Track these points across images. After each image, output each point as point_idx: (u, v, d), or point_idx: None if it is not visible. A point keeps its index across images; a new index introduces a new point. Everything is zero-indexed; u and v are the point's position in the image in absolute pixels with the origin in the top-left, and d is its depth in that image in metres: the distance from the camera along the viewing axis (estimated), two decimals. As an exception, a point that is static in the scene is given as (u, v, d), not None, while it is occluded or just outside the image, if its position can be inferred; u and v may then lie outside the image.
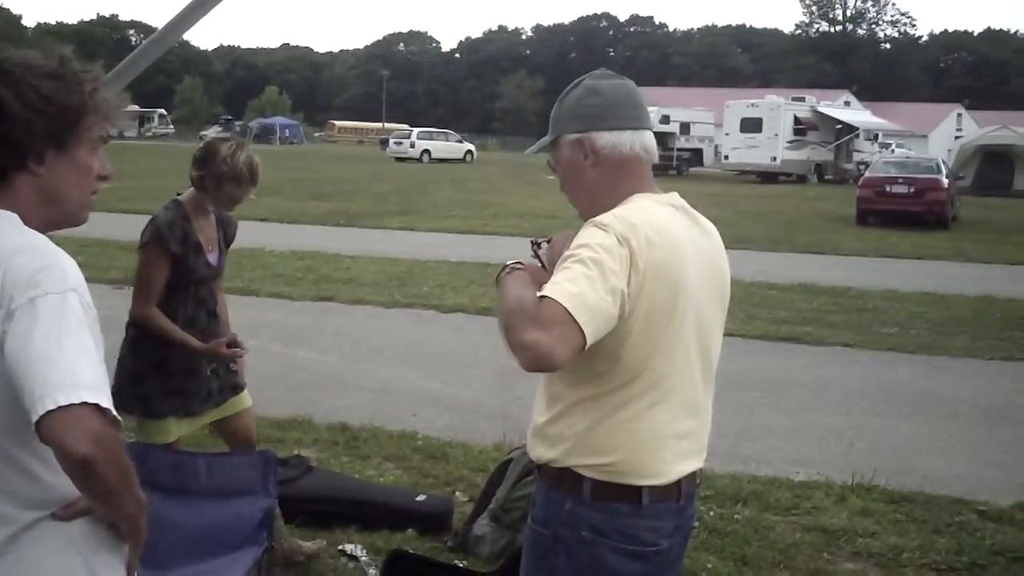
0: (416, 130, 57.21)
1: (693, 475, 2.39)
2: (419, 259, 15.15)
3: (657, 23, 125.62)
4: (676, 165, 45.48)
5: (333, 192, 28.28)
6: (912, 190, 23.50)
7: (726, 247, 2.53)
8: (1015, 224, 24.94)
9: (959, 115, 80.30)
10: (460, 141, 57.30)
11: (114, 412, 1.68)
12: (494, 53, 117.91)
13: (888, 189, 23.80)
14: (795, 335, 10.39)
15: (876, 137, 48.92)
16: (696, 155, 48.57)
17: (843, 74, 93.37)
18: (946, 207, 23.68)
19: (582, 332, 2.01)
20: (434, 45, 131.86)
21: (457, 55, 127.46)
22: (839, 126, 45.63)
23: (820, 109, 45.85)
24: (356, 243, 17.05)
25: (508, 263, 2.36)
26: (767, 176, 42.40)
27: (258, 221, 20.47)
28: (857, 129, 46.21)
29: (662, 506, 2.30)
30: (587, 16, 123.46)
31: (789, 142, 42.80)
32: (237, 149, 4.00)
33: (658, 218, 2.26)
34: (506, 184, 35.04)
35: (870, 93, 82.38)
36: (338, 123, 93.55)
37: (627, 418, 2.24)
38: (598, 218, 2.21)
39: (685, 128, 47.69)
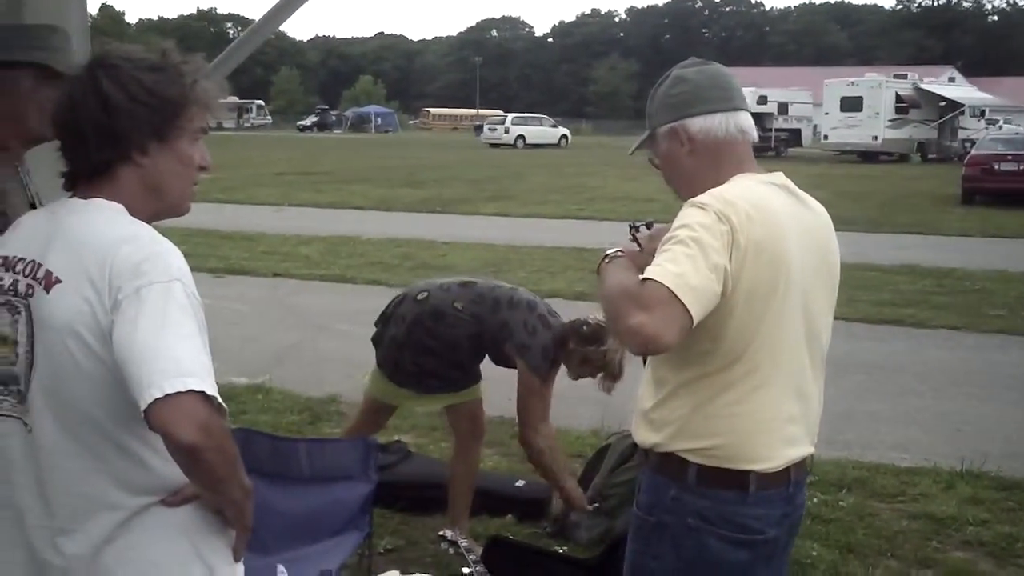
0: (510, 115, 57.18)
1: (803, 461, 2.34)
2: (515, 245, 15.17)
3: (753, 2, 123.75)
4: (774, 146, 44.77)
5: (428, 179, 28.45)
6: (1021, 167, 22.77)
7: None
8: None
9: (1073, 89, 77.67)
10: (554, 126, 57.13)
11: (219, 399, 1.71)
12: (587, 37, 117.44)
13: (996, 167, 23.07)
14: (898, 317, 10.17)
15: (983, 114, 47.47)
16: (794, 135, 47.73)
17: (947, 49, 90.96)
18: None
19: (688, 312, 1.99)
20: (527, 30, 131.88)
21: (550, 39, 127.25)
22: (943, 103, 44.37)
23: (923, 86, 44.65)
24: (452, 229, 17.12)
25: (608, 252, 2.34)
26: (867, 156, 41.47)
27: (353, 209, 20.83)
28: (962, 106, 44.89)
29: (770, 493, 2.26)
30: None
31: (890, 120, 41.77)
32: None
33: (758, 195, 2.22)
34: (601, 168, 34.85)
35: (976, 68, 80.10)
36: (432, 110, 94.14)
37: (731, 400, 2.21)
38: (695, 198, 2.18)
39: (783, 108, 46.91)
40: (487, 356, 4.48)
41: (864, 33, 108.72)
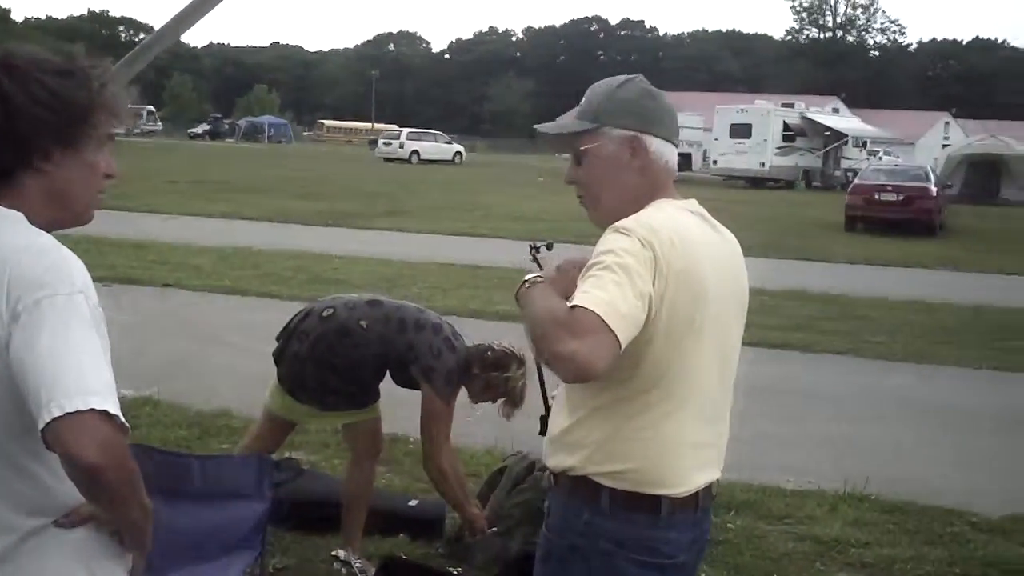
0: (405, 131, 56.97)
1: (710, 486, 2.37)
2: (409, 260, 15.11)
3: (648, 27, 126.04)
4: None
5: (322, 192, 28.18)
6: (901, 198, 23.59)
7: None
8: (1002, 233, 25.02)
9: (946, 123, 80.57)
10: (449, 142, 57.12)
11: (122, 418, 1.65)
12: (485, 55, 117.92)
13: (877, 196, 23.90)
14: (787, 341, 10.37)
15: (864, 144, 49.06)
16: (685, 159, 48.44)
17: (832, 81, 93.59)
18: (934, 215, 23.79)
19: (617, 339, 1.99)
20: (425, 46, 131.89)
21: (447, 56, 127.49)
22: (828, 132, 45.69)
23: (809, 115, 45.92)
24: (346, 243, 16.99)
25: (528, 276, 2.31)
26: (755, 182, 42.40)
27: (246, 220, 20.53)
28: (846, 136, 46.31)
29: (680, 517, 2.28)
30: (578, 19, 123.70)
31: (778, 148, 42.84)
32: None
33: (679, 223, 2.25)
34: (496, 186, 35.01)
35: (859, 100, 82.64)
36: (327, 122, 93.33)
37: (645, 425, 2.22)
38: (619, 223, 2.18)
39: (674, 132, 47.70)
40: (389, 376, 4.45)
41: (755, 62, 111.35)
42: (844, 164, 46.10)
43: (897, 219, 23.26)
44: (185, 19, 4.29)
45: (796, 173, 43.41)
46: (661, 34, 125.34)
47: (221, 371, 8.15)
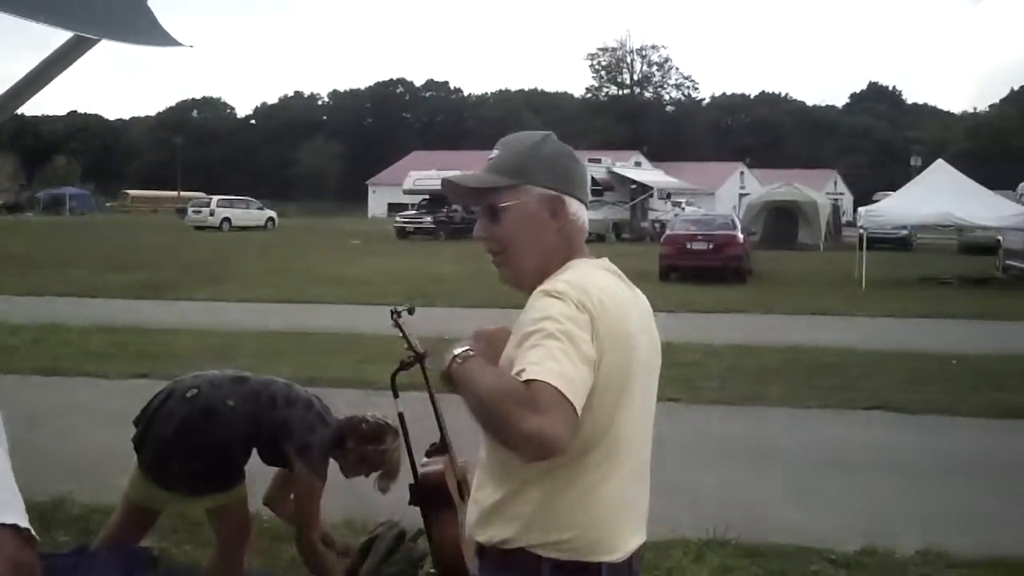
0: (215, 198, 55.75)
1: (640, 549, 2.36)
2: (235, 329, 14.74)
3: (452, 87, 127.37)
4: (478, 227, 45.99)
5: (133, 263, 27.21)
6: (711, 246, 24.46)
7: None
8: (804, 276, 26.27)
9: (742, 173, 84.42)
10: (261, 208, 56.31)
11: (31, 530, 1.54)
12: (291, 119, 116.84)
13: (688, 246, 24.71)
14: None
15: (669, 196, 50.87)
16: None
17: (633, 135, 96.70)
18: (743, 261, 24.78)
19: (576, 410, 1.98)
20: (229, 111, 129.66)
21: (253, 121, 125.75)
22: (634, 186, 47.14)
23: (616, 170, 47.28)
24: (166, 316, 16.45)
25: (456, 351, 2.21)
26: (570, 236, 43.18)
27: (56, 296, 19.62)
28: (651, 188, 47.89)
29: None
30: (383, 81, 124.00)
31: (588, 202, 43.73)
32: None
33: (605, 282, 2.26)
34: (312, 250, 34.62)
35: (659, 153, 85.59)
36: (132, 192, 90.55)
37: (585, 489, 2.18)
38: (548, 287, 2.16)
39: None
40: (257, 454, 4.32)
41: (557, 119, 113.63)
42: (651, 215, 47.67)
43: (709, 267, 24.10)
44: (17, 94, 4.09)
45: (607, 226, 44.49)
46: (465, 94, 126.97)
47: (51, 457, 7.71)
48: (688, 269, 24.36)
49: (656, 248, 26.38)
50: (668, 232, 26.47)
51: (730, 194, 75.78)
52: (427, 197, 46.72)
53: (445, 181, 2.40)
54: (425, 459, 4.54)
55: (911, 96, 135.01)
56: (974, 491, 7.33)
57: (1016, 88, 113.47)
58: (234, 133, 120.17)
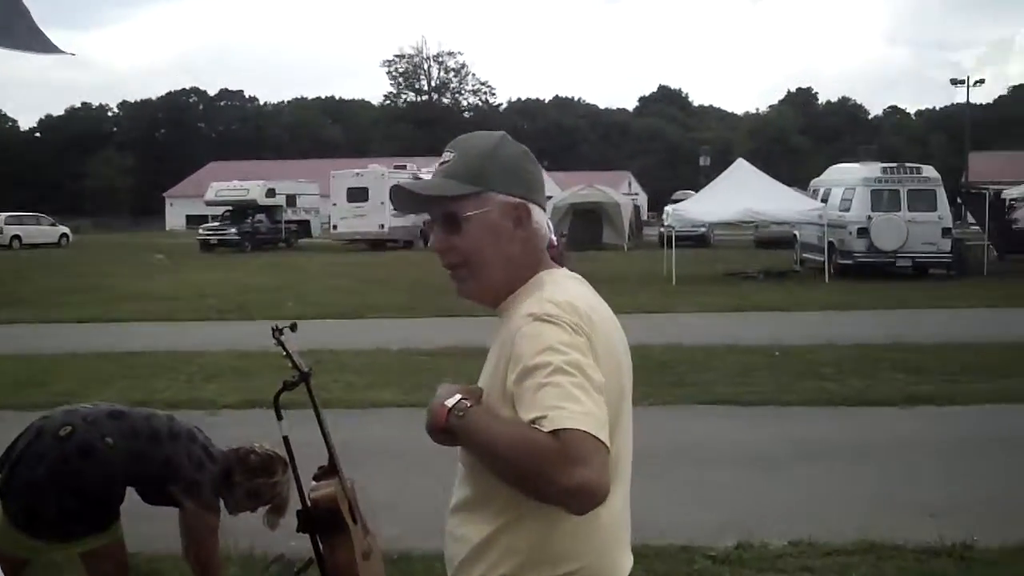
0: (3, 215, 52.75)
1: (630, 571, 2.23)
2: (45, 354, 13.88)
3: (248, 96, 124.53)
4: (285, 237, 45.25)
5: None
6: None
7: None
8: (616, 275, 26.77)
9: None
10: (53, 224, 53.67)
11: None
12: (79, 131, 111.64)
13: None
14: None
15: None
16: (304, 226, 48.49)
17: (432, 141, 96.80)
18: (560, 263, 25.02)
19: (608, 448, 1.84)
20: (11, 124, 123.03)
21: (38, 134, 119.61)
22: (440, 192, 47.09)
23: (422, 176, 47.16)
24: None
25: (448, 402, 2.01)
26: (376, 244, 42.94)
27: None
28: (456, 194, 47.99)
29: None
30: (175, 91, 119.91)
31: (395, 209, 43.62)
32: None
33: (586, 295, 2.14)
34: (114, 267, 33.12)
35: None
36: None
37: (587, 516, 1.98)
38: (536, 310, 2.01)
39: (291, 200, 47.52)
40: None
41: (357, 127, 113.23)
42: (459, 220, 47.82)
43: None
44: None
45: (414, 233, 44.36)
46: (262, 103, 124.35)
47: None
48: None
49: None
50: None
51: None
52: (230, 208, 45.55)
53: (396, 188, 2.20)
54: (314, 483, 4.34)
55: (698, 98, 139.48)
56: (828, 478, 7.58)
57: (793, 90, 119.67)
58: (18, 147, 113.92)
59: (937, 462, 8.02)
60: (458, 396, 2.01)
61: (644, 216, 58.93)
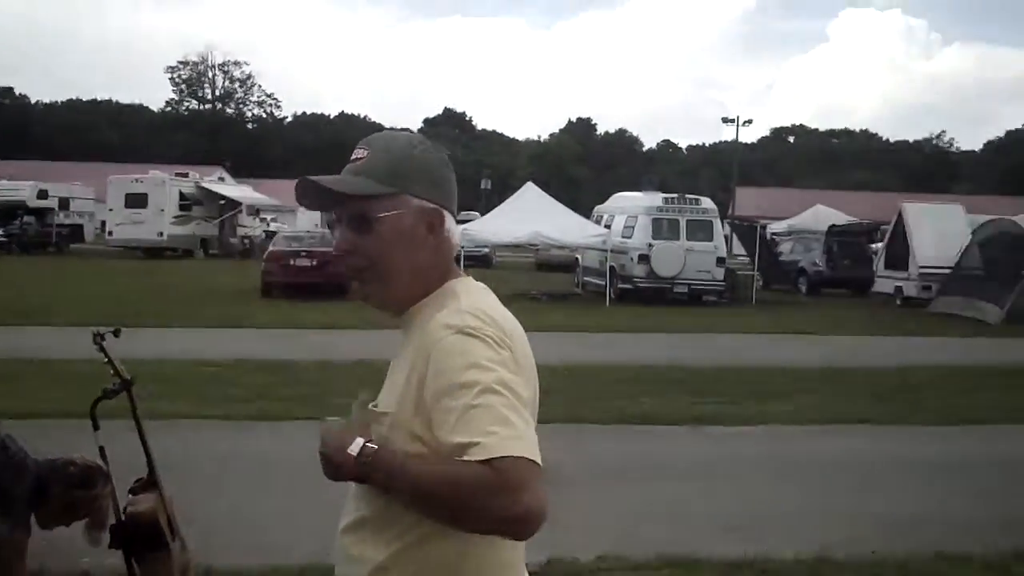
0: None
1: None
2: None
3: (18, 94, 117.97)
4: (56, 241, 43.11)
5: None
6: (315, 263, 24.39)
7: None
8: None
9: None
10: None
11: None
12: None
13: (292, 262, 24.54)
14: (252, 413, 10.26)
15: (258, 212, 50.16)
16: (77, 230, 46.24)
17: (215, 151, 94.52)
18: (344, 278, 24.85)
19: (540, 467, 1.77)
20: None
21: None
22: (223, 201, 45.93)
23: (204, 185, 45.90)
24: None
25: (353, 449, 1.89)
26: (153, 251, 41.39)
27: None
28: (240, 204, 46.92)
29: None
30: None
31: (175, 217, 42.22)
32: None
33: (497, 305, 2.04)
34: None
35: (242, 170, 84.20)
36: None
37: (492, 537, 1.89)
38: (456, 321, 1.90)
39: (64, 203, 45.21)
40: None
41: (135, 132, 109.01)
42: (240, 232, 46.75)
43: (314, 283, 24.00)
44: None
45: (195, 242, 43.14)
46: (32, 102, 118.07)
47: None
48: (292, 285, 24.13)
49: (247, 265, 26.05)
50: (271, 248, 26.07)
51: (311, 212, 75.95)
52: (-2, 208, 42.92)
53: (304, 180, 2.04)
54: (131, 496, 4.12)
55: (481, 122, 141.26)
56: (628, 494, 7.77)
57: (574, 119, 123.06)
58: None
59: (732, 479, 8.36)
60: (360, 442, 1.89)
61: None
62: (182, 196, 42.97)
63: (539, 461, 1.76)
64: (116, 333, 4.20)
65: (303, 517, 6.55)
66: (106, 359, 4.09)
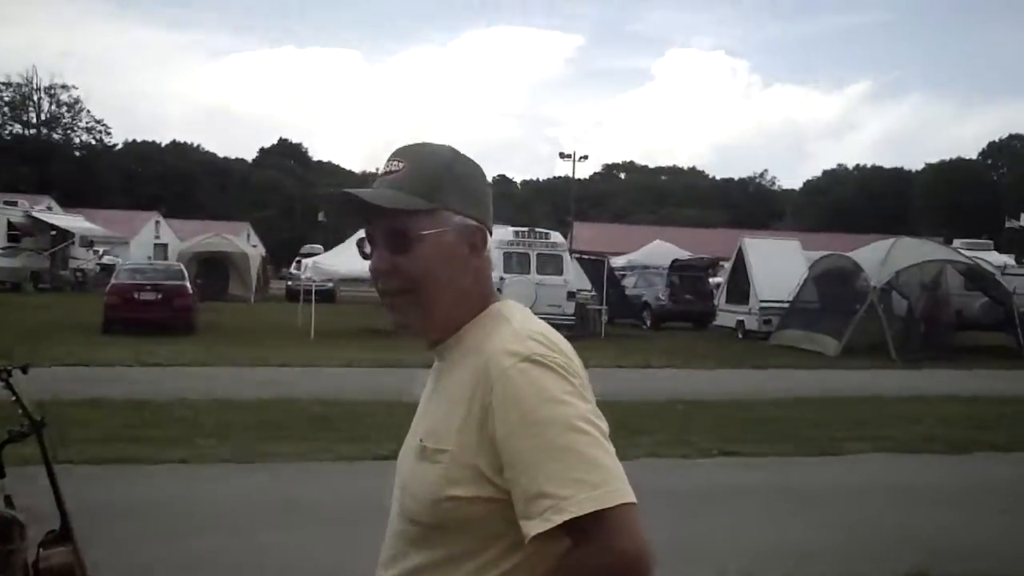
0: None
1: None
2: None
3: None
4: None
5: None
6: (160, 296, 23.71)
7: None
8: (249, 327, 26.30)
9: (157, 222, 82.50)
10: None
11: None
12: None
13: (136, 296, 23.78)
14: (127, 456, 9.87)
15: (91, 243, 48.34)
16: None
17: (40, 179, 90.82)
18: (192, 313, 24.27)
19: (636, 505, 1.69)
20: None
21: None
22: (54, 232, 44.14)
23: (35, 214, 44.05)
24: None
25: None
26: (-24, 286, 39.47)
27: None
28: (73, 235, 45.15)
29: None
30: None
31: (3, 248, 40.40)
32: None
33: (549, 327, 1.90)
34: None
35: (70, 199, 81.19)
36: None
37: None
38: (523, 351, 1.76)
39: None
40: None
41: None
42: (72, 264, 44.99)
43: (158, 318, 23.31)
44: None
45: (24, 275, 41.21)
46: None
47: None
48: (135, 320, 23.33)
49: (80, 298, 25.09)
50: (113, 282, 25.15)
51: (145, 242, 73.83)
52: None
53: (338, 194, 1.94)
54: (42, 551, 3.90)
55: (316, 154, 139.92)
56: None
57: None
58: None
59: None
60: None
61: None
62: (11, 226, 41.14)
63: (635, 500, 1.67)
64: (24, 370, 4.00)
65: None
66: (13, 397, 3.90)
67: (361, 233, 1.97)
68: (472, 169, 1.94)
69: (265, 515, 7.97)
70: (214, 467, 9.68)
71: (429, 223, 1.84)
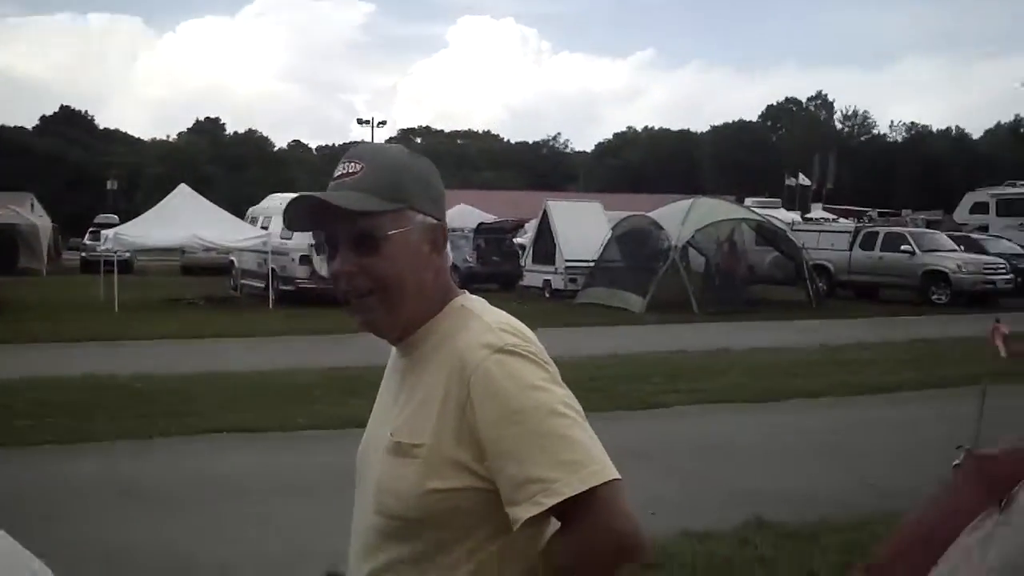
0: None
1: None
2: None
3: None
4: None
5: None
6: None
7: None
8: (48, 302, 25.14)
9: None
10: None
11: None
12: None
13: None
14: None
15: None
16: None
17: None
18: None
19: (622, 481, 1.76)
20: None
21: None
22: None
23: None
24: None
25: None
26: None
27: None
28: None
29: None
30: None
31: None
32: None
33: (513, 318, 1.95)
34: None
35: None
36: None
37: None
38: (497, 342, 1.81)
39: None
40: None
41: None
42: None
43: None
44: None
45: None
46: None
47: None
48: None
49: None
50: None
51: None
52: None
53: (303, 198, 1.89)
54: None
55: (103, 121, 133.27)
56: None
57: (202, 119, 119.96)
58: None
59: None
60: None
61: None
62: None
63: (619, 476, 1.74)
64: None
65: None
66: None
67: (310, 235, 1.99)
68: (428, 167, 1.96)
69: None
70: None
71: (395, 223, 1.86)
